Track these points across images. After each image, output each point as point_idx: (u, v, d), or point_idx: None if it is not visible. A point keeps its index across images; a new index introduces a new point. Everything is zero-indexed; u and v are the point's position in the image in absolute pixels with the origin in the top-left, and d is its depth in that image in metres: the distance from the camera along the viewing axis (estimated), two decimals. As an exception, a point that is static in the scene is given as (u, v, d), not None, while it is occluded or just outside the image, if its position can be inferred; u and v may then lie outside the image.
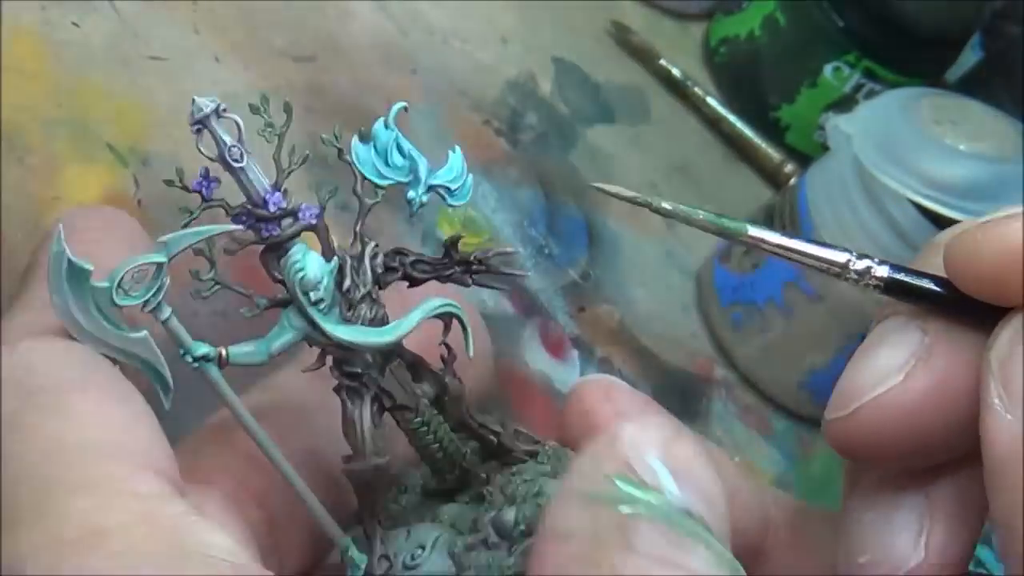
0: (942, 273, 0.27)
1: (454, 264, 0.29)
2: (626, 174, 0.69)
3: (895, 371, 0.26)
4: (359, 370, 0.28)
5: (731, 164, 0.77)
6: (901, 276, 0.27)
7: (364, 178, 0.28)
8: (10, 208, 0.41)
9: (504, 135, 0.65)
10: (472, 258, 0.29)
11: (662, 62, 0.77)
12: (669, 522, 0.23)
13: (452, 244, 0.29)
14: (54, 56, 0.47)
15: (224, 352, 0.27)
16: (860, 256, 0.27)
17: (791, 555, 0.33)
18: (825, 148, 0.63)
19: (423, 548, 0.29)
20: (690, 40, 0.82)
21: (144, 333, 0.26)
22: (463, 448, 0.30)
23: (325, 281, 0.27)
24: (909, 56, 0.72)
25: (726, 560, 0.23)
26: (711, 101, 0.77)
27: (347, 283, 0.28)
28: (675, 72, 0.77)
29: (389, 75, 0.62)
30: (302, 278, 0.27)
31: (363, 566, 0.28)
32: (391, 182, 0.28)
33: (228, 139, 0.27)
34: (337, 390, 0.28)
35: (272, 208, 0.27)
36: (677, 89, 0.77)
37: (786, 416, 0.64)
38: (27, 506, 0.22)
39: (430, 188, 0.29)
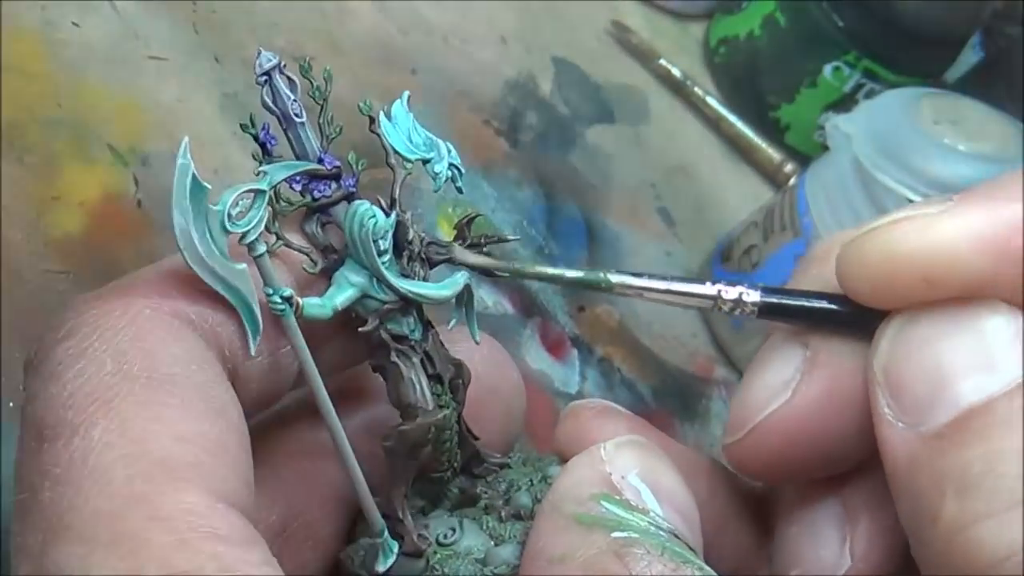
0: (817, 287, 0.27)
1: (466, 245, 0.30)
2: (626, 174, 0.69)
3: (782, 388, 0.27)
4: (407, 334, 0.29)
5: (731, 164, 0.77)
6: (774, 299, 0.27)
7: (395, 152, 0.29)
8: (10, 208, 0.41)
9: (504, 135, 0.65)
10: (481, 239, 0.30)
11: (662, 62, 0.77)
12: (663, 547, 0.23)
13: (467, 223, 0.30)
14: (54, 56, 0.47)
15: (300, 301, 0.27)
16: (730, 284, 0.27)
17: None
18: (825, 148, 0.63)
19: (454, 529, 0.29)
20: (690, 40, 0.82)
21: (245, 266, 0.26)
22: (457, 450, 0.30)
23: (387, 233, 0.28)
24: (909, 56, 0.72)
25: None
26: (711, 101, 0.77)
27: (411, 234, 0.29)
28: (675, 72, 0.77)
29: (389, 75, 0.62)
30: (375, 224, 0.28)
31: (396, 551, 0.28)
32: (419, 156, 0.30)
33: (290, 94, 0.28)
34: (379, 364, 0.29)
35: (328, 166, 0.28)
36: (677, 89, 0.77)
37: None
38: (102, 517, 0.22)
39: (450, 165, 0.30)
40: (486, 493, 0.30)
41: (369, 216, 0.28)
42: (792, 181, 0.72)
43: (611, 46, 0.76)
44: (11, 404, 0.37)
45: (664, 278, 0.28)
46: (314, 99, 0.28)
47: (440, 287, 0.29)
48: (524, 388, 0.34)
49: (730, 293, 0.27)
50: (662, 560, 0.23)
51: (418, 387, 0.29)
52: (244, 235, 0.26)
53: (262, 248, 0.26)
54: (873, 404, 0.25)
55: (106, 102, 0.47)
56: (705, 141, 0.77)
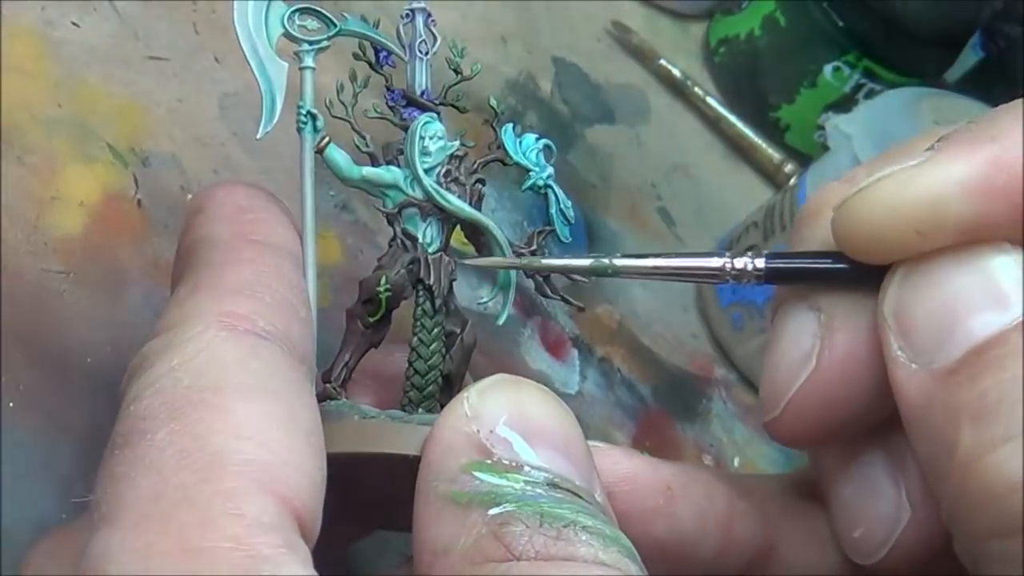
0: (815, 244, 0.28)
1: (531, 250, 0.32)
2: (626, 174, 0.69)
3: (805, 358, 0.27)
4: (418, 237, 0.31)
5: (731, 164, 0.77)
6: (779, 263, 0.28)
7: (502, 146, 0.33)
8: (10, 208, 0.41)
9: (504, 135, 0.64)
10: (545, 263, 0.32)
11: (662, 62, 0.77)
12: (540, 514, 0.23)
13: (539, 233, 0.32)
14: (54, 56, 0.47)
15: (328, 139, 0.30)
16: (735, 255, 0.28)
17: (798, 540, 0.33)
18: (825, 148, 0.63)
19: (378, 410, 0.30)
20: (690, 40, 0.82)
21: (286, 65, 0.29)
22: (437, 396, 0.31)
23: (441, 143, 0.31)
24: (909, 56, 0.72)
25: (608, 536, 0.23)
26: (711, 101, 0.77)
27: (457, 161, 0.32)
28: (675, 72, 0.77)
29: (389, 75, 0.61)
30: (429, 124, 0.31)
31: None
32: (521, 163, 0.33)
33: (423, 34, 0.32)
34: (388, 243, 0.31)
35: (426, 99, 0.33)
36: (677, 89, 0.77)
37: (786, 416, 0.63)
38: (139, 503, 0.22)
39: (546, 185, 0.32)
40: None
41: (428, 120, 0.31)
42: (792, 181, 0.72)
43: (611, 46, 0.76)
44: (11, 404, 0.37)
45: (669, 255, 0.28)
46: (450, 67, 0.33)
47: (462, 204, 0.31)
48: None
49: (736, 263, 0.28)
50: (541, 531, 0.22)
51: (393, 255, 0.31)
52: (299, 44, 0.29)
53: (308, 62, 0.29)
54: (885, 349, 0.25)
55: (106, 102, 0.47)
56: (705, 141, 0.77)
